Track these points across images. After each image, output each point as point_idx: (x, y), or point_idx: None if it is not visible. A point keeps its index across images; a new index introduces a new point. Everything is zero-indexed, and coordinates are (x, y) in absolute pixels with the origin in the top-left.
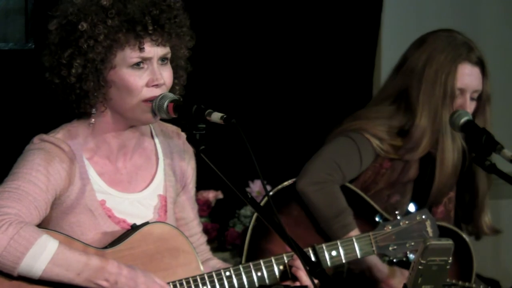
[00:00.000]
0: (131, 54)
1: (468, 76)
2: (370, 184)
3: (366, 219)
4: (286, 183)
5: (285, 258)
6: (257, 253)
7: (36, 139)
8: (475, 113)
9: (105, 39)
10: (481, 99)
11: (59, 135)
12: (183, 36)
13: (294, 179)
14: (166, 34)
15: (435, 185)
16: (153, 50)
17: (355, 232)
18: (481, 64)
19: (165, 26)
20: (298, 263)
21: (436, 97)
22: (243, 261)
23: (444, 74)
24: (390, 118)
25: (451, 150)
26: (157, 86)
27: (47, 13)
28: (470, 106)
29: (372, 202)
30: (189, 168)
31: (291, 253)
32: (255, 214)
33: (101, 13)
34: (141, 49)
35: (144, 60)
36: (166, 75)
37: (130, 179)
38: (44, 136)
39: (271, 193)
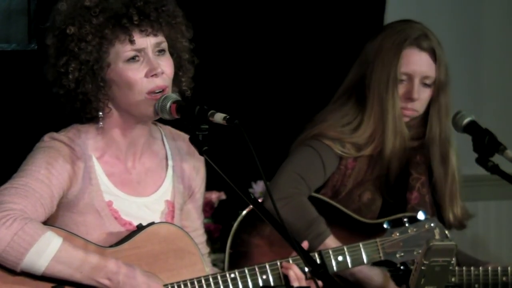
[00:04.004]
0: (123, 49)
1: (414, 61)
2: (340, 187)
3: (340, 225)
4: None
5: (290, 261)
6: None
7: (46, 137)
8: (430, 100)
9: (93, 38)
10: (434, 86)
11: (69, 134)
12: (176, 25)
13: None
14: (155, 23)
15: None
16: (145, 41)
17: (330, 239)
18: (431, 51)
19: (151, 15)
20: (291, 270)
21: (382, 83)
22: (226, 259)
23: (389, 58)
24: (345, 115)
25: (392, 139)
26: (156, 75)
27: (49, 14)
28: (419, 92)
29: (340, 206)
30: (198, 177)
31: (297, 256)
32: (244, 212)
33: (86, 14)
34: (131, 42)
35: (138, 52)
36: (164, 64)
37: (139, 180)
38: (54, 135)
39: (244, 213)
